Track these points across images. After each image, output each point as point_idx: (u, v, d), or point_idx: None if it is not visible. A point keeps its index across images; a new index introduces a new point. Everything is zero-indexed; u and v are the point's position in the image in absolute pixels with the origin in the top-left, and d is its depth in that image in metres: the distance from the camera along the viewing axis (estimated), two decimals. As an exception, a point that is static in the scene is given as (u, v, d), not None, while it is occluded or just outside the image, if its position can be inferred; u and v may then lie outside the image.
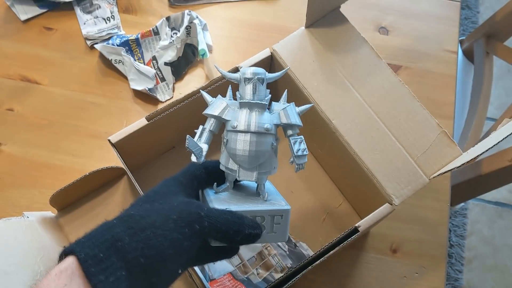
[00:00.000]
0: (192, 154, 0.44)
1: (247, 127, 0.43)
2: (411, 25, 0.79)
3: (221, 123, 0.46)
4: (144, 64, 0.72)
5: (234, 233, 0.40)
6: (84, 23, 0.75)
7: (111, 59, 0.71)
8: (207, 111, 0.45)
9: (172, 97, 0.71)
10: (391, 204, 0.53)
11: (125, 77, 0.72)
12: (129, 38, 0.72)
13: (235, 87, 0.46)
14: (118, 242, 0.36)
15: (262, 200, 0.45)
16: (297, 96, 0.60)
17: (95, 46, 0.72)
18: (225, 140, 0.45)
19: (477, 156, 0.47)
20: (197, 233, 0.39)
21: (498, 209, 1.46)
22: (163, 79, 0.71)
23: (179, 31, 0.72)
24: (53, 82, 0.72)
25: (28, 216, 0.57)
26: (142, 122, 0.57)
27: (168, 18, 0.73)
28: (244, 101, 0.44)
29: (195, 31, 0.70)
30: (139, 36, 0.72)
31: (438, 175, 0.53)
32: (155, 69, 0.71)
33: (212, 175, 0.47)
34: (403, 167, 0.54)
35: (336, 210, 0.65)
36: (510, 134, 0.45)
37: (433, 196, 0.67)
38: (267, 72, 0.45)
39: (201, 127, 0.46)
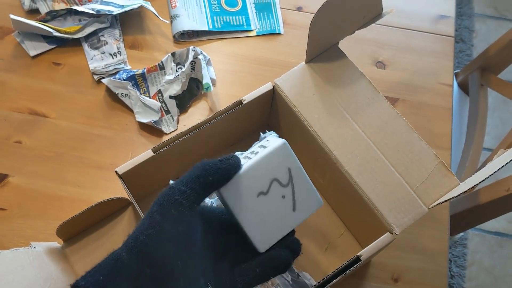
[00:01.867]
0: None
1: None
2: (407, 60, 0.82)
3: None
4: (150, 98, 0.74)
5: (211, 165, 0.39)
6: (92, 58, 0.78)
7: (118, 93, 0.73)
8: None
9: (176, 129, 0.73)
10: (392, 233, 0.54)
11: (131, 110, 0.74)
12: (135, 73, 0.74)
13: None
14: (118, 261, 0.35)
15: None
16: (299, 128, 0.62)
17: (102, 80, 0.74)
18: None
19: (475, 186, 0.48)
20: (187, 205, 0.38)
21: (498, 239, 1.46)
22: (168, 112, 0.73)
23: (184, 66, 0.74)
24: (60, 115, 0.74)
25: (35, 247, 0.58)
26: (148, 153, 0.58)
27: (173, 54, 0.75)
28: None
29: (199, 66, 0.73)
30: (145, 70, 0.74)
31: (437, 204, 0.54)
32: (160, 102, 0.73)
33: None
34: (402, 197, 0.56)
35: (338, 239, 0.66)
36: (506, 164, 0.47)
37: (433, 225, 0.68)
38: None
39: None
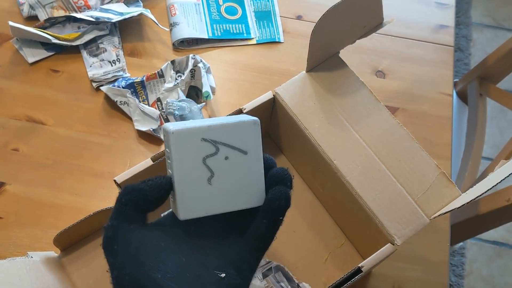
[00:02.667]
0: None
1: None
2: (407, 69, 0.82)
3: None
4: (149, 106, 0.74)
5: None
6: (90, 66, 0.77)
7: (116, 101, 0.73)
8: None
9: (175, 137, 0.73)
10: (393, 244, 0.54)
11: (130, 118, 0.73)
12: (135, 81, 0.74)
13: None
14: None
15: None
16: (299, 137, 0.62)
17: (101, 88, 0.74)
18: None
19: (476, 197, 0.48)
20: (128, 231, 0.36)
21: (496, 248, 1.46)
22: (167, 120, 0.73)
23: (183, 74, 0.74)
24: (58, 123, 0.74)
25: (32, 256, 0.58)
26: (147, 162, 0.58)
27: (173, 62, 0.75)
28: None
29: (199, 74, 0.72)
30: (144, 78, 0.74)
31: (438, 215, 0.54)
32: (159, 110, 0.73)
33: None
34: (404, 207, 0.55)
35: (339, 250, 0.65)
36: (508, 176, 0.47)
37: (433, 235, 0.68)
38: None
39: None
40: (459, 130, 1.10)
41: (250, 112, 0.61)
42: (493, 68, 1.05)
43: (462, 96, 1.16)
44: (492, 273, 1.42)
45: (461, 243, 1.39)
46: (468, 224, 0.86)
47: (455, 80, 1.17)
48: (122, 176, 0.57)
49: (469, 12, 1.87)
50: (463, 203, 0.49)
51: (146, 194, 0.38)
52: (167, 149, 0.39)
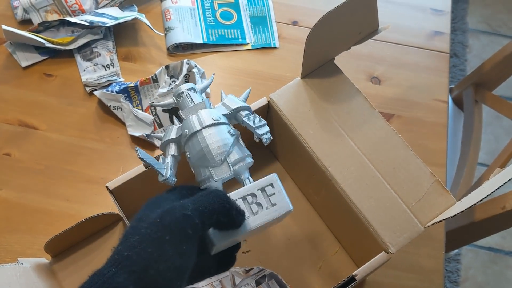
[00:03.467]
0: (158, 173, 0.43)
1: (200, 125, 0.45)
2: (402, 75, 0.82)
3: (180, 146, 0.47)
4: (143, 111, 0.73)
5: (230, 206, 0.39)
6: (84, 70, 0.77)
7: (110, 106, 0.72)
8: (160, 142, 0.47)
9: (169, 143, 0.72)
10: (388, 253, 0.53)
11: (123, 123, 0.73)
12: (128, 86, 0.73)
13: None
14: (110, 281, 0.33)
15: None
16: (294, 143, 0.61)
17: (94, 92, 0.73)
18: (187, 155, 0.45)
19: (471, 205, 0.48)
20: (193, 236, 0.36)
21: (491, 255, 1.46)
22: (160, 125, 0.72)
23: (177, 79, 0.74)
24: (51, 128, 0.73)
25: (23, 263, 0.57)
26: (140, 169, 0.57)
27: (167, 67, 0.75)
28: (185, 109, 0.46)
29: (193, 79, 0.72)
30: (138, 83, 0.73)
31: (433, 223, 0.54)
32: (153, 116, 0.72)
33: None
34: (398, 215, 0.55)
35: (332, 257, 0.65)
36: (503, 184, 0.46)
37: (428, 243, 0.67)
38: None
39: (160, 157, 0.46)
40: (454, 137, 1.10)
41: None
42: (489, 75, 1.05)
43: (458, 103, 1.16)
44: (488, 279, 1.42)
45: (456, 250, 1.39)
46: (463, 231, 0.86)
47: (450, 86, 1.17)
48: (114, 182, 0.57)
49: (465, 19, 1.88)
50: (457, 212, 0.49)
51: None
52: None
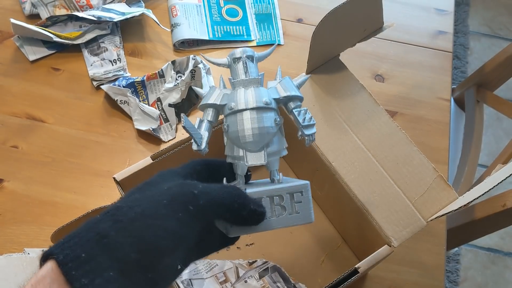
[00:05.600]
0: (192, 141, 0.42)
1: (246, 104, 0.41)
2: (406, 74, 0.82)
3: (219, 112, 0.44)
4: (149, 105, 0.74)
5: (240, 206, 0.37)
6: (91, 65, 0.78)
7: (117, 100, 0.73)
8: (202, 102, 0.44)
9: (175, 137, 0.73)
10: (390, 246, 0.54)
11: (130, 117, 0.74)
12: (135, 80, 0.74)
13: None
14: (104, 239, 0.32)
15: (277, 183, 0.43)
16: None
17: (102, 86, 0.74)
18: (225, 127, 0.43)
19: (473, 200, 0.49)
20: (194, 215, 0.35)
21: (490, 255, 1.46)
22: (166, 120, 0.73)
23: (184, 74, 0.74)
24: (58, 121, 0.74)
25: (29, 253, 0.58)
26: (147, 161, 0.58)
27: (173, 62, 0.75)
28: (237, 80, 0.43)
29: (199, 75, 0.73)
30: (144, 78, 0.74)
31: (435, 217, 0.54)
32: (159, 110, 0.73)
33: (214, 173, 0.42)
34: (401, 209, 0.56)
35: (335, 251, 0.66)
36: (505, 179, 0.47)
37: (430, 239, 0.68)
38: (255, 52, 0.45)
39: (198, 119, 0.43)
40: (456, 136, 1.11)
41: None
42: (490, 76, 1.06)
43: (459, 103, 1.17)
44: (487, 280, 1.43)
45: (456, 249, 1.39)
46: (463, 229, 0.87)
47: (452, 87, 1.18)
48: (122, 174, 0.57)
49: (466, 21, 1.89)
50: (460, 206, 0.50)
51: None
52: None
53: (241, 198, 0.38)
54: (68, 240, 0.32)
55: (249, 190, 0.40)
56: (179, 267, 0.36)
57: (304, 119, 0.44)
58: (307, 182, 0.42)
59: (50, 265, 0.31)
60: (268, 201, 0.41)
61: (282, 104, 0.45)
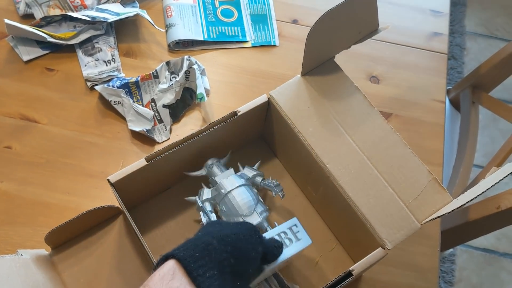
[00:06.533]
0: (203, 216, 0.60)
1: (230, 187, 0.60)
2: (401, 75, 0.82)
3: (213, 204, 0.62)
4: (143, 106, 0.74)
5: (276, 250, 0.51)
6: (85, 65, 0.77)
7: (111, 100, 0.73)
8: (197, 204, 0.62)
9: (169, 138, 0.73)
10: (384, 249, 0.54)
11: (124, 118, 0.73)
12: (129, 81, 0.74)
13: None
14: (209, 245, 0.42)
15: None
16: (293, 140, 0.62)
17: (95, 87, 0.74)
18: (222, 208, 0.60)
19: (466, 202, 0.49)
20: (259, 242, 0.47)
21: (486, 256, 1.46)
22: (161, 121, 0.73)
23: (178, 75, 0.74)
24: (52, 122, 0.73)
25: (22, 254, 0.57)
26: (141, 162, 0.58)
27: (168, 63, 0.75)
28: (218, 176, 0.62)
29: (194, 75, 0.73)
30: (139, 79, 0.74)
31: (429, 220, 0.54)
32: (153, 111, 0.73)
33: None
34: (395, 212, 0.56)
35: (330, 253, 0.66)
36: (498, 182, 0.47)
37: (424, 242, 0.68)
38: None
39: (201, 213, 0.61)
40: (451, 137, 1.11)
41: (245, 115, 0.62)
42: (486, 77, 1.06)
43: (455, 104, 1.17)
44: (482, 281, 1.43)
45: (451, 250, 1.39)
46: (458, 231, 0.87)
47: (448, 87, 1.18)
48: (116, 176, 0.57)
49: (463, 21, 1.89)
50: (453, 208, 0.50)
51: None
52: None
53: (277, 242, 0.52)
54: (183, 245, 0.42)
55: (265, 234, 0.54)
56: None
57: (273, 182, 0.63)
58: (295, 218, 0.56)
59: (171, 262, 0.41)
60: (278, 237, 0.54)
61: (252, 183, 0.63)
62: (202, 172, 0.64)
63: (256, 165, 0.66)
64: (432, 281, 0.66)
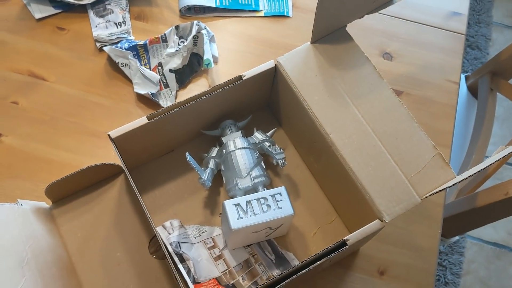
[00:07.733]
0: (198, 175, 0.60)
1: (233, 148, 0.62)
2: (415, 53, 0.80)
3: (218, 163, 0.63)
4: (150, 70, 0.73)
5: None
6: (96, 26, 0.77)
7: (118, 62, 0.72)
8: (204, 159, 0.64)
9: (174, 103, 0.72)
10: (382, 221, 0.53)
11: (130, 81, 0.73)
12: (137, 43, 0.73)
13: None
14: None
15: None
16: (298, 109, 0.61)
17: (104, 48, 0.74)
18: (222, 168, 0.62)
19: (469, 176, 0.47)
20: None
21: (496, 250, 1.44)
22: (166, 86, 0.73)
23: (186, 40, 0.73)
24: (59, 80, 0.73)
25: (22, 204, 0.58)
26: (143, 120, 0.57)
27: (177, 27, 0.74)
28: (226, 136, 0.64)
29: (201, 40, 0.72)
30: (147, 42, 0.73)
31: (430, 195, 0.53)
32: (160, 75, 0.72)
33: None
34: (396, 185, 0.55)
35: (328, 226, 0.65)
36: (499, 159, 0.46)
37: (425, 222, 0.67)
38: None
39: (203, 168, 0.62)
40: (466, 124, 1.08)
41: (250, 80, 0.61)
42: (506, 64, 1.03)
43: (473, 91, 1.14)
44: (490, 275, 1.41)
45: (457, 237, 1.37)
46: (464, 217, 0.85)
47: (467, 74, 1.15)
48: (117, 132, 0.57)
49: (491, 11, 1.84)
50: (455, 182, 0.48)
51: None
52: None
53: None
54: None
55: (245, 197, 0.56)
56: None
57: (275, 150, 0.63)
58: (283, 186, 0.58)
59: None
60: (256, 203, 0.56)
61: (260, 148, 0.64)
62: (217, 132, 0.66)
63: (271, 132, 0.67)
64: (430, 262, 0.65)
